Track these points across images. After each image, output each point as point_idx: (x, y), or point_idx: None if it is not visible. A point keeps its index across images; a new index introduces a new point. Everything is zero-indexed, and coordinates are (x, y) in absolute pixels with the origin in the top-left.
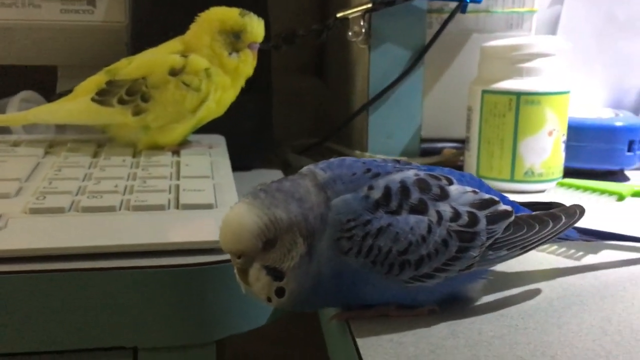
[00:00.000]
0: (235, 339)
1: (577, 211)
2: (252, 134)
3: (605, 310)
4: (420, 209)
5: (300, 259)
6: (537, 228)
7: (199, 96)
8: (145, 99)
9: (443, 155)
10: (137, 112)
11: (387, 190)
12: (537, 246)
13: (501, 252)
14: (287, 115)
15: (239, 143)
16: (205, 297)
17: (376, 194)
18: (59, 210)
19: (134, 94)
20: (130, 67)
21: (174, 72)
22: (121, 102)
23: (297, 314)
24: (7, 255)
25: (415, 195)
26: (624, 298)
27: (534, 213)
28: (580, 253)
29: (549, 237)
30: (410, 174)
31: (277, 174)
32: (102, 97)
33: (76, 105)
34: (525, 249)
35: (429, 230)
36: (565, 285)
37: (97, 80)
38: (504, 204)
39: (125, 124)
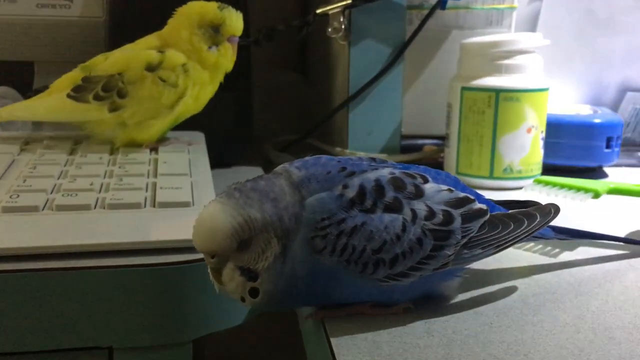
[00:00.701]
0: (214, 338)
1: (552, 210)
2: (232, 130)
3: (580, 308)
4: (395, 207)
5: (275, 259)
6: (512, 227)
7: (176, 92)
8: (121, 94)
9: (424, 151)
10: (113, 109)
11: (362, 189)
12: (512, 245)
13: (476, 250)
14: (268, 111)
15: (219, 140)
16: (182, 296)
17: (351, 193)
18: (33, 209)
19: (110, 90)
20: (106, 63)
21: (150, 68)
22: (97, 98)
23: (276, 312)
24: None
25: (390, 194)
26: (598, 295)
27: (509, 212)
28: (556, 250)
29: (524, 235)
30: (385, 173)
31: (257, 171)
32: (77, 93)
33: (52, 102)
34: (500, 247)
35: (404, 228)
36: (540, 282)
37: (73, 76)
38: (479, 202)
39: (102, 121)
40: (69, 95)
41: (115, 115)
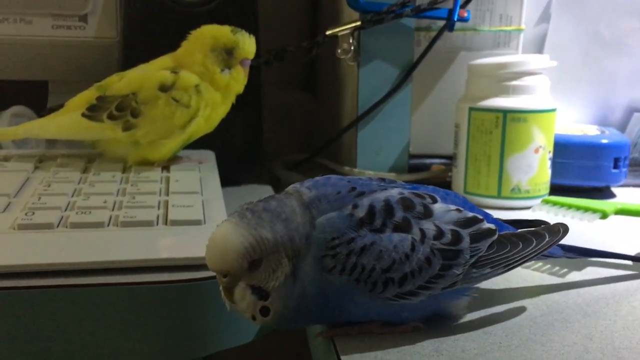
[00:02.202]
0: (223, 355)
1: (561, 229)
2: (241, 149)
3: (588, 328)
4: (404, 227)
5: (285, 279)
6: (520, 246)
7: (188, 112)
8: (135, 114)
9: (431, 171)
10: (127, 128)
11: (371, 209)
12: (520, 264)
13: (485, 270)
14: (277, 130)
15: (229, 158)
16: (193, 313)
17: (360, 213)
18: (48, 226)
19: (124, 110)
20: (120, 82)
21: (164, 88)
22: (111, 117)
23: (285, 330)
24: None
25: (399, 214)
26: (607, 315)
27: (518, 231)
28: (565, 270)
29: (533, 255)
30: (394, 193)
31: (266, 189)
32: (92, 112)
33: (66, 120)
34: (508, 267)
35: (413, 248)
36: (549, 302)
37: (87, 95)
38: (488, 222)
39: (115, 140)
40: (83, 114)
41: (128, 135)
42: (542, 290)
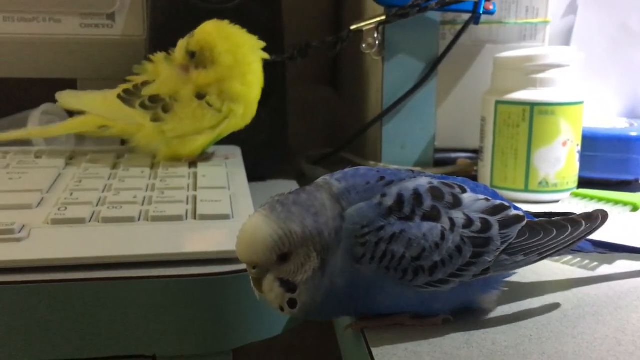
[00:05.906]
0: (252, 347)
1: (600, 216)
2: (267, 144)
3: (620, 321)
4: (433, 216)
5: (313, 273)
6: (554, 233)
7: (219, 117)
8: (166, 109)
9: (457, 165)
10: (155, 119)
11: (400, 197)
12: (555, 252)
13: (517, 257)
14: (302, 125)
15: (255, 153)
16: (223, 306)
17: (389, 201)
18: (80, 221)
19: (156, 102)
20: (158, 83)
21: (200, 96)
22: (143, 106)
23: (313, 323)
24: (30, 265)
25: (428, 203)
26: (638, 308)
27: (552, 219)
28: (595, 263)
29: (568, 242)
30: (423, 182)
31: (292, 185)
32: (127, 95)
33: (101, 96)
34: (542, 254)
35: (443, 237)
36: (579, 295)
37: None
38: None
39: (145, 132)
40: (119, 96)
41: (156, 125)
42: (573, 284)
